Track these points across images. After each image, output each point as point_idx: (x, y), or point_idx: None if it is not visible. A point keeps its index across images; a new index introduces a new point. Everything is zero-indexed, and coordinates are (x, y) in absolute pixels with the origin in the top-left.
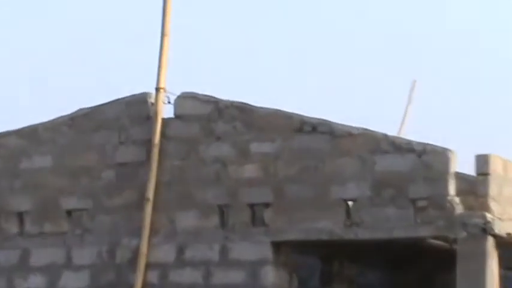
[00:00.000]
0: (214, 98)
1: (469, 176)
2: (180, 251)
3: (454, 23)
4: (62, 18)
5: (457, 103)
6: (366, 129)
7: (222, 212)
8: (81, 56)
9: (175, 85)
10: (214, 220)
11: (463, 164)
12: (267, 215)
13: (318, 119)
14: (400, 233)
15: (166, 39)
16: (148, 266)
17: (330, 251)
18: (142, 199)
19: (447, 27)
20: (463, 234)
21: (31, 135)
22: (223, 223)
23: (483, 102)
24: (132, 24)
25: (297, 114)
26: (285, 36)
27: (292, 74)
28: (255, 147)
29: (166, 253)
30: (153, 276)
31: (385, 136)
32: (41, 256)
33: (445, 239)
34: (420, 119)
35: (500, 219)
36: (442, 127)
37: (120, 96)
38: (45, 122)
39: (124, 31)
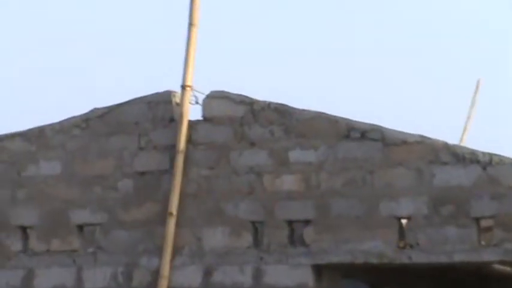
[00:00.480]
0: (249, 98)
1: None
2: (207, 274)
3: None
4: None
5: None
6: (422, 137)
7: (256, 229)
8: (96, 50)
9: (203, 83)
10: (247, 239)
11: None
12: (308, 233)
13: (368, 123)
14: (461, 256)
15: (194, 29)
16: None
17: (379, 276)
18: (164, 213)
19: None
20: None
21: (38, 138)
22: (257, 242)
23: None
24: (154, 14)
25: (344, 118)
26: (328, 33)
27: (335, 74)
28: (295, 155)
29: (191, 276)
30: None
31: (445, 145)
32: (47, 277)
33: None
34: (485, 125)
35: None
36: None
37: (140, 95)
38: (55, 124)
39: (145, 21)
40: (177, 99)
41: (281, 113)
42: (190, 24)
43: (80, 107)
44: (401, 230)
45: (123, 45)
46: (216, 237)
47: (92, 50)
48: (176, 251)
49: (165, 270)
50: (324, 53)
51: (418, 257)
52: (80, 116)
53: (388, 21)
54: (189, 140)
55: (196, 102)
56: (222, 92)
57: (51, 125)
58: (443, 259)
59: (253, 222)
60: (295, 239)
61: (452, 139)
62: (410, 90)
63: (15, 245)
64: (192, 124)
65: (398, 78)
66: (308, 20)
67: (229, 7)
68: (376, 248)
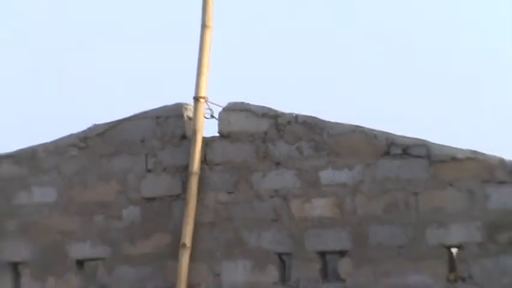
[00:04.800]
0: (273, 110)
1: None
2: None
3: None
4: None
5: None
6: (475, 152)
7: (283, 262)
8: (96, 61)
9: (219, 94)
10: (273, 273)
11: None
12: (343, 266)
13: (412, 138)
14: None
15: (208, 31)
16: None
17: None
18: (177, 245)
19: None
20: None
21: (30, 160)
22: (284, 277)
23: None
24: (163, 18)
25: (383, 132)
26: (353, 44)
27: (371, 82)
28: (327, 176)
29: None
30: None
31: (502, 161)
32: None
33: None
34: None
35: None
36: None
37: (147, 109)
38: (48, 143)
39: (152, 28)
40: (190, 113)
41: (310, 127)
42: (204, 26)
43: (77, 124)
44: (451, 261)
45: (128, 55)
46: (237, 273)
47: (90, 56)
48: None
49: None
50: (358, 59)
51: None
52: (78, 134)
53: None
54: (204, 160)
55: (212, 116)
56: (242, 103)
57: (44, 145)
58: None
59: (279, 254)
60: (328, 273)
61: (509, 155)
62: (460, 100)
63: (5, 284)
64: (207, 141)
65: (445, 86)
66: (339, 23)
67: (247, 8)
68: (422, 282)
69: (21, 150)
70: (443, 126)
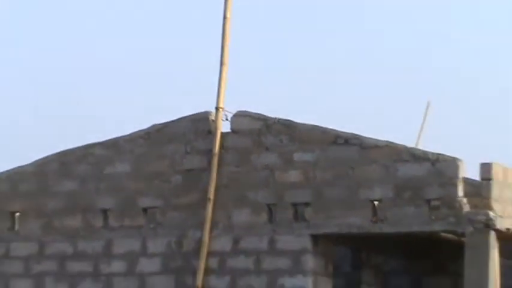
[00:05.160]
0: (264, 115)
1: (474, 180)
2: (236, 242)
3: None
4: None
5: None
6: (389, 142)
7: (270, 210)
8: (155, 82)
9: (231, 104)
10: (264, 217)
11: (469, 170)
12: (307, 212)
13: (349, 133)
14: (417, 228)
15: (224, 68)
16: (209, 254)
17: (359, 243)
18: (204, 199)
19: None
20: (470, 229)
21: (113, 146)
22: (271, 219)
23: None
24: (195, 55)
25: (332, 129)
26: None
27: (326, 92)
28: (298, 156)
29: (224, 244)
30: (213, 263)
31: (406, 147)
32: (121, 246)
33: (454, 233)
34: (434, 132)
35: (500, 216)
36: (452, 139)
37: (186, 115)
38: (125, 136)
39: (189, 61)
40: (213, 117)
41: (287, 126)
42: (222, 64)
43: (143, 123)
44: (374, 209)
45: (174, 76)
46: (241, 216)
47: (153, 82)
48: (213, 225)
49: (206, 239)
50: (314, 71)
51: (386, 229)
52: (143, 129)
53: (360, 41)
54: (222, 147)
55: (226, 119)
56: (245, 111)
57: (123, 137)
58: (404, 230)
59: (268, 205)
60: (298, 217)
61: (410, 143)
62: (381, 106)
63: (98, 222)
64: (223, 135)
65: (375, 94)
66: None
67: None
68: (356, 222)
69: (108, 139)
70: (372, 124)
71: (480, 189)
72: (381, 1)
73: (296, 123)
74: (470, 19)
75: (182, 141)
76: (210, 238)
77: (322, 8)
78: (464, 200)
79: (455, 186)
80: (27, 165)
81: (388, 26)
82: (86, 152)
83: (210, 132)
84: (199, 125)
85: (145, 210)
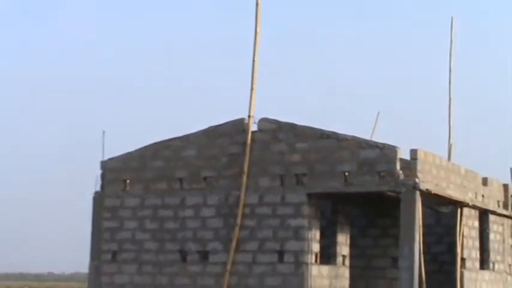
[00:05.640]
0: (277, 120)
1: (407, 160)
2: (261, 198)
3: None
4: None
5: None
6: (354, 136)
7: (282, 178)
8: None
9: (258, 112)
10: (278, 182)
11: (404, 154)
12: (304, 180)
13: (330, 131)
14: (371, 189)
15: (254, 92)
16: (244, 205)
17: (336, 198)
18: (241, 172)
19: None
20: (403, 189)
21: (186, 139)
22: (282, 184)
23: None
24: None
25: (319, 128)
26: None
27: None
28: (298, 145)
29: (253, 199)
30: (247, 210)
31: (365, 140)
32: (191, 200)
33: (394, 191)
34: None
35: (422, 182)
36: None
37: (230, 120)
38: (193, 132)
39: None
40: (246, 121)
41: (292, 127)
42: (252, 89)
43: (204, 125)
44: (345, 178)
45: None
46: (264, 182)
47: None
48: (247, 188)
49: (242, 196)
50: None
51: (352, 189)
52: (204, 129)
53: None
54: (252, 139)
55: (255, 123)
56: (266, 118)
57: (191, 133)
58: (363, 189)
59: (280, 175)
60: (299, 182)
61: (368, 136)
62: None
63: (177, 186)
64: (253, 133)
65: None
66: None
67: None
68: (334, 185)
69: (182, 135)
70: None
71: (410, 165)
72: None
73: (297, 124)
74: None
75: (227, 136)
76: (245, 196)
77: None
78: (400, 172)
79: (395, 163)
80: (133, 151)
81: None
82: (169, 142)
83: (244, 131)
84: (238, 126)
85: (205, 178)
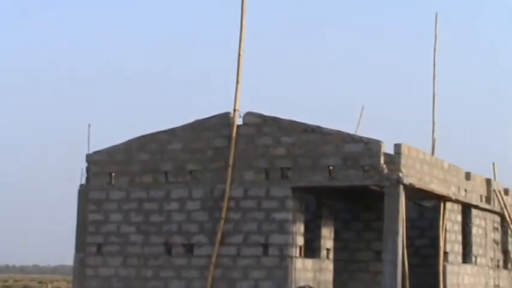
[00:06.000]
0: (262, 114)
1: (390, 154)
2: (245, 191)
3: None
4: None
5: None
6: (339, 130)
7: (267, 172)
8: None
9: (243, 106)
10: (263, 176)
11: (388, 148)
12: (289, 173)
13: (314, 125)
14: (355, 183)
15: (239, 86)
16: (229, 198)
17: (320, 192)
18: (227, 165)
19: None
20: (387, 183)
21: (171, 132)
22: (267, 177)
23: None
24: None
25: (303, 122)
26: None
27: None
28: (283, 139)
29: (238, 192)
30: (232, 204)
31: (349, 134)
32: (176, 193)
33: (378, 185)
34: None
35: (406, 176)
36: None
37: (215, 114)
38: (178, 126)
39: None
40: (231, 115)
41: (276, 120)
42: (237, 82)
43: (189, 119)
44: (329, 171)
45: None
46: (249, 175)
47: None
48: (232, 181)
49: (227, 189)
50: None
51: (336, 183)
52: (189, 123)
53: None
54: (237, 133)
55: (240, 116)
56: (251, 112)
57: (177, 127)
58: (347, 184)
59: (265, 169)
60: (283, 176)
61: (353, 130)
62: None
63: (162, 179)
64: (238, 126)
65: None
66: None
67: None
68: (318, 179)
69: (167, 129)
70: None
71: (394, 159)
72: None
73: (281, 118)
74: None
75: (213, 129)
76: (230, 189)
77: None
78: (384, 166)
79: (379, 157)
80: (119, 144)
81: None
82: (155, 136)
83: (230, 125)
84: (224, 120)
85: (190, 172)
